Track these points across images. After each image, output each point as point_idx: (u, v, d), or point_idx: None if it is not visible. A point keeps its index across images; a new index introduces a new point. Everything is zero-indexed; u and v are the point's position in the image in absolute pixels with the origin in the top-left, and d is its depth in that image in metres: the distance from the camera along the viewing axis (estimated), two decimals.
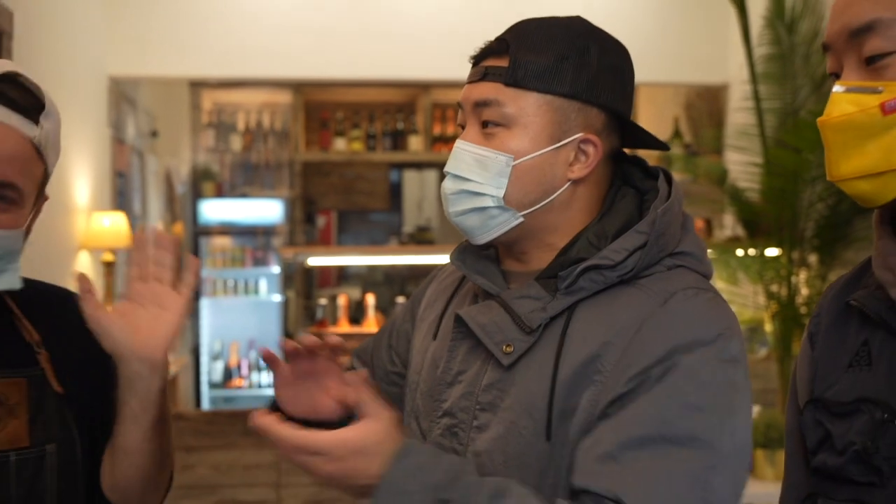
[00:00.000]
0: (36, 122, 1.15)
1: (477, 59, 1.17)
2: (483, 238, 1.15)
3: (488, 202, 1.11)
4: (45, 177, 1.21)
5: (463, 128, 1.17)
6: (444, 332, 1.23)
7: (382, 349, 1.40)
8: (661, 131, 5.13)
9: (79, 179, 4.11)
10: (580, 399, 1.04)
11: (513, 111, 1.10)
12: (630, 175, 1.20)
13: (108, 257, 4.29)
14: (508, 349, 1.08)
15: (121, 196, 4.92)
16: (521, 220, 1.12)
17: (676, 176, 3.58)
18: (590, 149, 1.11)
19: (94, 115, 4.43)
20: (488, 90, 1.11)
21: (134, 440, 1.20)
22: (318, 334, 1.22)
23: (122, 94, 4.91)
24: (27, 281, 1.29)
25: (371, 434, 0.99)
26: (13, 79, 1.14)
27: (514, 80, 1.10)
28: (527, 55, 1.10)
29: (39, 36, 3.32)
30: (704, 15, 4.75)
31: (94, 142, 4.39)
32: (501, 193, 1.11)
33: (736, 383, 1.03)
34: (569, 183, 1.13)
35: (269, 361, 1.16)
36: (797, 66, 3.81)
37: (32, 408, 1.20)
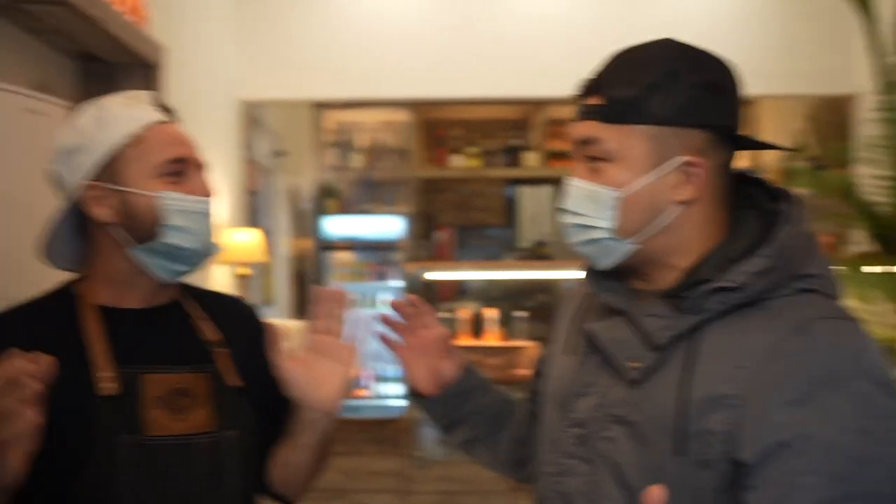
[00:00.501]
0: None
1: (576, 99, 1.20)
2: (605, 264, 1.19)
3: (601, 234, 1.15)
4: None
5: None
6: (574, 346, 1.27)
7: (535, 376, 1.48)
8: (783, 144, 5.02)
9: (218, 198, 4.30)
10: (714, 422, 1.04)
11: (613, 146, 1.13)
12: (755, 196, 1.20)
13: (243, 271, 4.43)
14: (636, 365, 1.11)
15: (253, 213, 5.07)
16: (637, 246, 1.15)
17: (800, 190, 3.60)
18: (694, 170, 1.12)
19: (228, 138, 4.61)
20: (588, 129, 1.15)
21: (301, 459, 1.38)
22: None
23: (252, 117, 5.07)
24: (211, 291, 1.55)
25: None
26: (152, 94, 1.41)
27: (608, 116, 1.13)
28: (617, 90, 1.12)
29: (183, 66, 3.49)
30: (826, 24, 4.59)
31: (229, 163, 4.57)
32: (611, 225, 1.14)
33: (892, 408, 1.00)
34: (678, 206, 1.14)
35: (387, 343, 1.46)
36: None
37: (215, 399, 1.34)
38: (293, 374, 1.27)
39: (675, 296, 1.13)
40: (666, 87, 1.11)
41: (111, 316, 1.34)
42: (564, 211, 1.20)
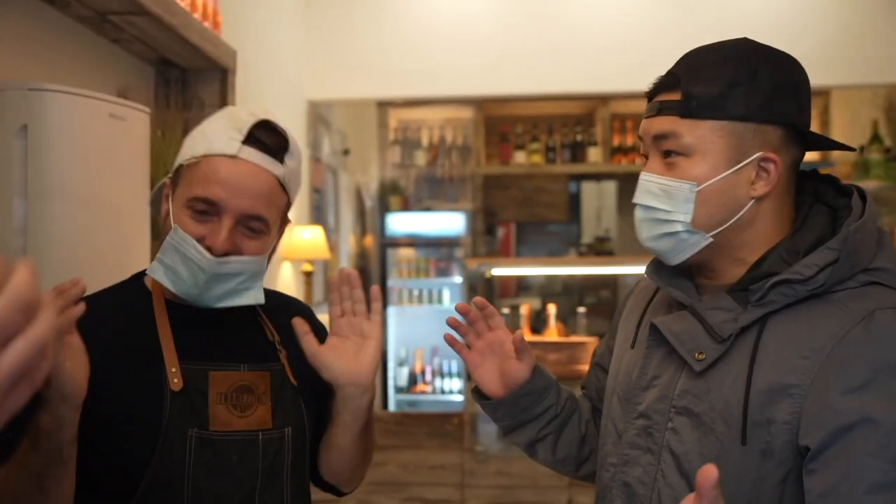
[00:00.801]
0: (282, 161, 1.29)
1: (651, 94, 1.21)
2: (677, 259, 1.20)
3: (678, 227, 1.16)
4: (288, 206, 1.37)
5: (646, 157, 1.22)
6: (640, 340, 1.28)
7: (593, 372, 1.52)
8: (857, 136, 4.88)
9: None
10: (777, 412, 1.05)
11: (691, 141, 1.14)
12: (823, 193, 1.22)
13: (307, 267, 4.50)
14: (700, 356, 1.12)
15: (317, 210, 5.11)
16: (711, 240, 1.16)
17: (875, 183, 3.68)
18: (770, 166, 1.14)
19: (295, 137, 4.73)
20: (665, 123, 1.16)
21: (345, 442, 1.40)
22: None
23: (318, 116, 5.13)
24: (272, 292, 1.48)
25: None
26: (266, 125, 1.29)
27: (688, 111, 1.13)
28: (697, 86, 1.13)
29: (254, 69, 3.58)
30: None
31: None
32: (689, 218, 1.15)
33: None
34: (752, 201, 1.15)
35: (453, 345, 1.46)
36: None
37: (274, 396, 1.34)
38: (323, 358, 1.30)
39: (742, 289, 1.14)
40: (745, 84, 1.13)
41: (178, 312, 1.33)
42: (639, 206, 1.20)
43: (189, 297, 1.29)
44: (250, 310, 1.40)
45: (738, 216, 1.16)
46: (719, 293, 1.17)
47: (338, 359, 1.32)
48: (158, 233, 1.36)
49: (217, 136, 1.27)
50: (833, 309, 1.08)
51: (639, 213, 1.21)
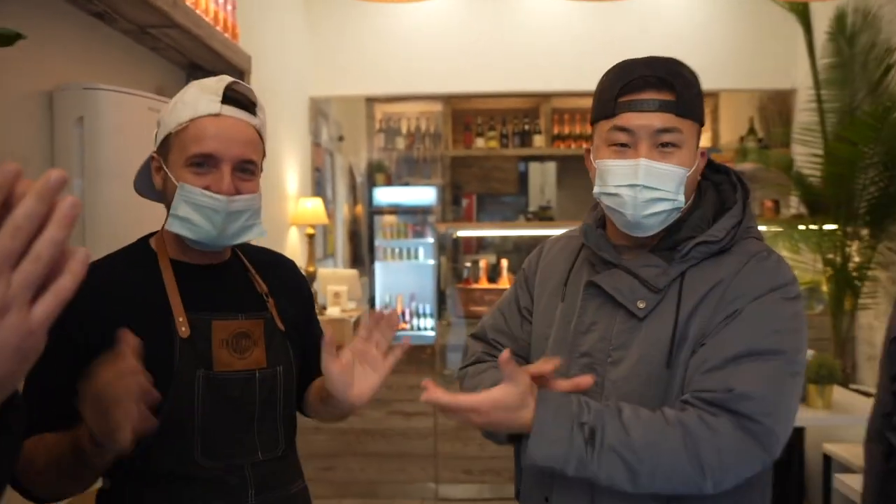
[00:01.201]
0: (255, 114, 1.22)
1: (629, 89, 1.13)
2: (655, 230, 1.16)
3: (674, 206, 1.13)
4: (264, 153, 1.28)
5: (623, 145, 1.14)
6: (571, 294, 1.24)
7: (517, 324, 1.37)
8: (738, 129, 4.98)
9: (289, 174, 4.34)
10: (692, 331, 1.09)
11: (683, 135, 1.12)
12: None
13: (310, 231, 4.46)
14: (642, 304, 1.12)
15: (318, 185, 5.10)
16: (679, 214, 1.15)
17: (750, 165, 3.75)
18: (700, 158, 1.17)
19: (299, 126, 4.66)
20: (667, 120, 1.11)
21: (327, 413, 1.35)
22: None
23: (318, 110, 5.09)
24: (256, 246, 1.38)
25: (511, 395, 1.03)
26: (236, 86, 1.21)
27: (681, 111, 1.11)
28: (686, 91, 1.12)
29: (265, 71, 3.56)
30: (775, 31, 4.56)
31: (299, 146, 4.63)
32: (682, 198, 1.13)
33: (800, 314, 1.10)
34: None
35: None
36: (856, 72, 3.71)
37: (267, 341, 1.26)
38: (334, 373, 1.16)
39: (664, 249, 1.15)
40: (699, 93, 1.15)
41: (181, 269, 1.24)
42: (644, 187, 1.12)
43: (208, 240, 1.20)
44: (242, 266, 1.32)
45: (691, 198, 1.17)
46: (642, 253, 1.17)
47: (341, 375, 1.18)
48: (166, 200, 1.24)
49: (196, 101, 1.18)
50: (731, 257, 1.13)
51: (644, 193, 1.12)
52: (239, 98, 1.21)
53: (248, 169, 1.21)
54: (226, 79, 1.22)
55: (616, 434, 1.02)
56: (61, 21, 1.77)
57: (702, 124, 1.17)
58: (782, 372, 1.05)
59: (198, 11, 2.20)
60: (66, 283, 0.48)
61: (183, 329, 1.18)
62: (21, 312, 0.47)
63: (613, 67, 1.18)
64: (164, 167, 1.20)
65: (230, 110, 1.19)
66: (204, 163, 1.17)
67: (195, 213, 1.17)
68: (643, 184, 1.11)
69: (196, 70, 2.63)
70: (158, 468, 1.17)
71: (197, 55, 2.43)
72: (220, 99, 1.19)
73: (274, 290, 1.32)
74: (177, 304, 1.20)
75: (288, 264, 1.44)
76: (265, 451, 1.25)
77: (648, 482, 1.02)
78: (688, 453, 1.00)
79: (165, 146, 1.20)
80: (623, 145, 1.14)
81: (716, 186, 1.22)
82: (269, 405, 1.25)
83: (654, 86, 1.12)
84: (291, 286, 1.38)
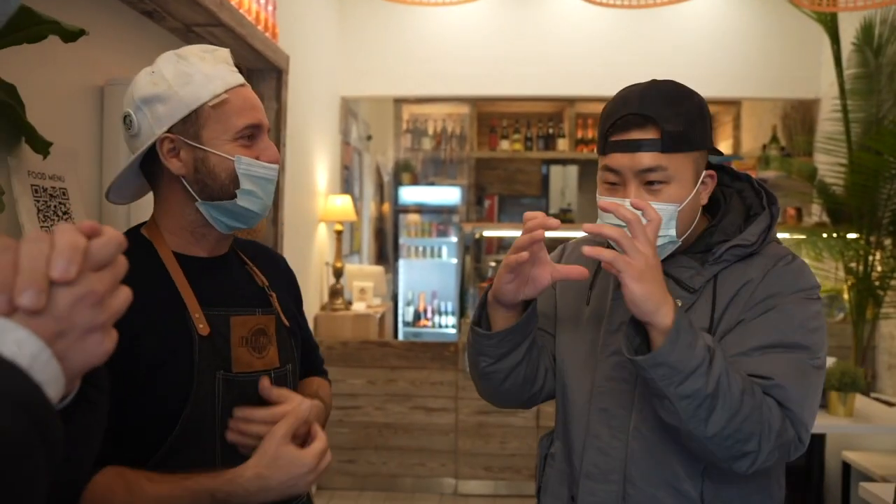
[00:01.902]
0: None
1: (614, 129, 1.11)
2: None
3: (664, 241, 1.12)
4: None
5: (613, 185, 1.12)
6: (597, 298, 1.24)
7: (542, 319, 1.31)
8: (761, 137, 4.93)
9: (320, 171, 4.32)
10: (721, 327, 1.12)
11: (671, 171, 1.09)
12: (721, 180, 1.23)
13: (338, 227, 4.44)
14: (679, 304, 1.07)
15: (346, 183, 5.09)
16: (679, 243, 1.15)
17: (773, 173, 3.68)
18: (708, 180, 1.16)
19: (330, 125, 4.67)
20: (650, 159, 1.08)
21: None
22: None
23: (349, 110, 5.10)
24: (246, 240, 1.29)
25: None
26: (229, 59, 1.13)
27: (667, 147, 1.08)
28: (670, 125, 1.08)
29: (301, 70, 3.57)
30: (800, 42, 4.52)
31: (330, 144, 4.62)
32: (674, 233, 1.12)
33: (822, 315, 1.13)
34: (700, 207, 1.17)
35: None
36: (882, 83, 3.65)
37: (277, 337, 1.17)
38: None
39: (697, 252, 1.17)
40: (697, 120, 1.11)
41: (185, 262, 1.11)
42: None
43: (263, 213, 1.13)
44: (239, 259, 1.22)
45: (695, 221, 1.16)
46: (675, 256, 1.17)
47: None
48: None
49: (218, 73, 1.07)
50: (759, 259, 1.15)
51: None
52: (240, 66, 1.19)
53: (269, 136, 1.15)
54: (217, 48, 1.13)
55: (725, 367, 1.02)
56: (114, 18, 1.79)
57: (703, 148, 1.13)
58: (809, 365, 1.08)
59: (241, 11, 2.22)
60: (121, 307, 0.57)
61: (201, 326, 1.06)
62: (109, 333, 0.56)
63: (614, 97, 1.15)
64: (195, 145, 1.06)
65: (244, 81, 1.13)
66: (254, 133, 1.09)
67: (255, 185, 1.09)
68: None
69: (238, 69, 2.64)
70: (179, 469, 1.04)
71: (238, 54, 2.44)
72: (232, 69, 1.11)
73: (273, 284, 1.22)
74: (190, 299, 1.08)
75: (280, 258, 1.35)
76: None
77: (733, 429, 1.02)
78: (760, 414, 1.03)
79: (191, 123, 1.06)
80: (614, 184, 1.13)
81: (738, 193, 1.24)
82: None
83: (638, 125, 1.09)
84: (286, 280, 1.30)
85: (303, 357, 1.27)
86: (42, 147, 1.32)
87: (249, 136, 1.09)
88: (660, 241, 1.11)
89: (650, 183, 1.10)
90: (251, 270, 1.20)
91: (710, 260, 1.15)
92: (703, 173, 1.15)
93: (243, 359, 1.10)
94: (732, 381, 1.02)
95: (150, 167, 1.11)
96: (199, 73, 1.06)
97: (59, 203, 1.52)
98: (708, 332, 1.12)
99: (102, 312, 0.54)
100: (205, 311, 1.07)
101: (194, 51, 1.09)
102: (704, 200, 1.17)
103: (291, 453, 1.02)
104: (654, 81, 1.14)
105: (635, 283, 0.99)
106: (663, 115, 1.09)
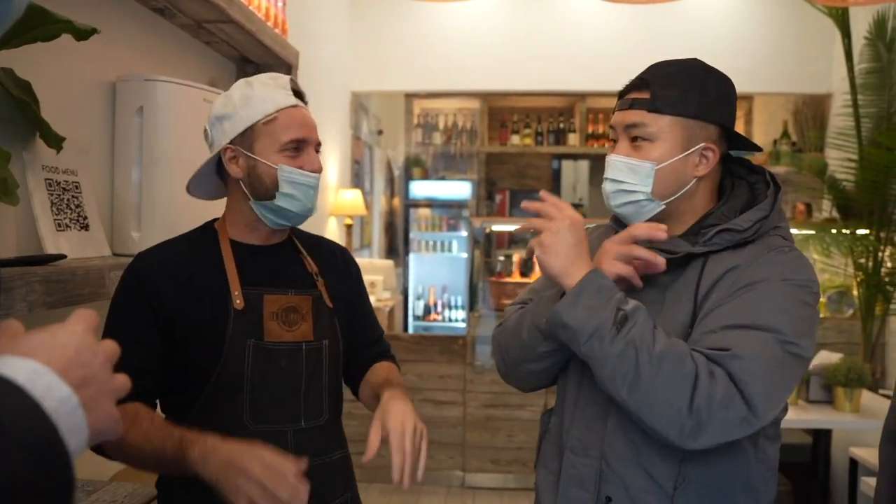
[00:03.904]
0: (307, 104, 1.36)
1: (623, 93, 1.21)
2: (635, 221, 1.20)
3: (640, 197, 1.17)
4: None
5: (614, 142, 1.22)
6: None
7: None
8: (772, 132, 4.91)
9: (330, 165, 4.36)
10: (704, 310, 1.12)
11: (654, 130, 1.15)
12: (736, 171, 1.26)
13: (349, 221, 4.54)
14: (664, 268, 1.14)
15: (357, 177, 5.13)
16: (664, 207, 1.19)
17: (783, 168, 3.69)
18: (709, 154, 1.17)
19: (341, 120, 4.70)
20: (637, 116, 1.17)
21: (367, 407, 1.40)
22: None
23: (359, 104, 5.13)
24: (308, 232, 1.50)
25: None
26: (292, 82, 1.34)
27: (654, 107, 1.15)
28: (662, 89, 1.15)
29: (312, 66, 3.58)
30: (812, 37, 4.50)
31: (340, 139, 4.66)
32: (649, 190, 1.16)
33: (810, 308, 1.10)
34: (695, 179, 1.18)
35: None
36: (894, 78, 3.63)
37: (315, 316, 1.33)
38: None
39: (691, 234, 1.18)
40: (697, 91, 1.15)
41: (240, 248, 1.33)
42: (609, 180, 1.20)
43: (305, 213, 1.32)
44: (294, 247, 1.41)
45: (684, 190, 1.18)
46: (671, 238, 1.19)
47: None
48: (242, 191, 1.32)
49: (273, 96, 1.28)
50: (752, 247, 1.15)
51: (608, 186, 1.20)
52: (300, 92, 1.34)
53: (318, 150, 1.35)
54: (281, 76, 1.33)
55: (643, 334, 1.04)
56: (125, 15, 1.83)
57: (701, 119, 1.16)
58: (779, 345, 1.05)
59: (251, 7, 2.25)
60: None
61: (238, 301, 1.27)
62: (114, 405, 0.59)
63: None
64: (249, 155, 1.28)
65: (299, 102, 1.32)
66: (298, 147, 1.29)
67: (296, 190, 1.29)
68: (609, 177, 1.20)
69: (246, 63, 2.67)
70: (211, 427, 1.20)
71: (248, 50, 2.47)
72: (288, 92, 1.31)
73: (324, 271, 1.40)
74: (234, 278, 1.28)
75: (337, 248, 1.54)
76: (308, 419, 1.31)
77: (644, 394, 1.03)
78: (690, 387, 1.02)
79: (247, 137, 1.28)
80: (614, 141, 1.22)
81: (751, 186, 1.23)
82: (316, 376, 1.31)
83: (636, 87, 1.19)
84: (341, 268, 1.47)
85: (368, 342, 1.48)
86: (55, 142, 1.36)
87: (295, 148, 1.29)
88: (635, 198, 1.18)
89: (634, 139, 1.18)
90: (304, 258, 1.39)
91: (700, 241, 1.16)
92: (702, 145, 1.17)
93: (274, 331, 1.28)
94: (655, 346, 1.03)
95: (223, 172, 1.35)
96: (256, 97, 1.28)
97: (73, 196, 1.56)
98: (691, 316, 1.13)
99: (112, 379, 0.57)
100: (244, 289, 1.28)
101: (262, 78, 1.33)
102: (700, 172, 1.18)
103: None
104: (681, 59, 1.21)
105: (541, 252, 1.11)
106: (659, 79, 1.17)
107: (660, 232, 1.12)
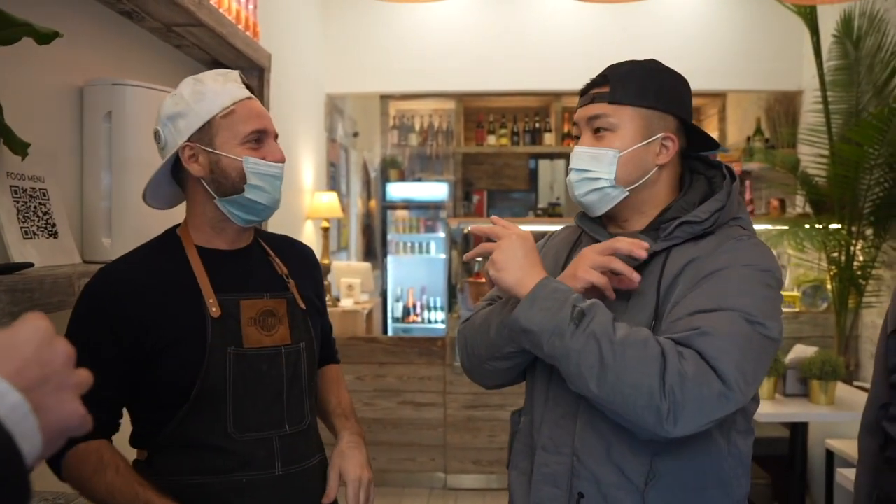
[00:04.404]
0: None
1: (584, 91, 1.27)
2: (601, 209, 1.25)
3: (604, 184, 1.21)
4: None
5: (577, 138, 1.27)
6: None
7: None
8: (745, 129, 4.97)
9: (305, 168, 4.34)
10: (668, 303, 1.14)
11: (615, 120, 1.21)
12: (695, 167, 1.30)
13: (325, 224, 4.49)
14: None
15: (332, 180, 5.11)
16: (627, 194, 1.22)
17: (757, 165, 3.75)
18: (669, 143, 1.22)
19: (316, 122, 4.67)
20: (598, 108, 1.22)
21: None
22: None
23: (334, 106, 5.11)
24: (273, 233, 1.50)
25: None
26: (241, 75, 1.33)
27: (614, 99, 1.21)
28: (622, 83, 1.21)
29: (283, 69, 3.57)
30: (782, 35, 4.56)
31: (315, 141, 4.63)
32: (612, 176, 1.21)
33: (772, 291, 1.12)
34: (656, 168, 1.22)
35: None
36: (862, 75, 3.69)
37: (290, 319, 1.32)
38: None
39: (651, 229, 1.22)
40: (654, 85, 1.22)
41: (207, 255, 1.30)
42: (574, 170, 1.24)
43: (273, 206, 1.30)
44: (262, 250, 1.40)
45: (646, 177, 1.22)
46: (631, 234, 1.23)
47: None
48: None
49: (227, 89, 1.26)
50: (712, 238, 1.18)
51: (573, 176, 1.25)
52: (250, 85, 1.33)
53: (276, 141, 1.32)
54: (230, 71, 1.32)
55: (603, 326, 1.05)
56: (93, 19, 1.80)
57: (658, 109, 1.21)
58: (744, 322, 1.06)
59: (221, 10, 2.22)
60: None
61: (214, 309, 1.24)
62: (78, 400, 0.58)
63: None
64: (211, 150, 1.25)
65: (251, 95, 1.31)
66: (260, 138, 1.27)
67: (264, 181, 1.27)
68: (574, 167, 1.24)
69: (218, 67, 2.65)
70: (193, 440, 1.22)
71: (219, 53, 2.44)
72: (240, 86, 1.29)
73: (293, 272, 1.38)
74: (206, 286, 1.25)
75: (304, 249, 1.52)
76: (292, 424, 1.30)
77: (612, 384, 1.03)
78: (658, 368, 1.01)
79: (206, 132, 1.25)
80: (577, 137, 1.27)
81: (709, 180, 1.27)
82: (296, 379, 1.30)
83: (597, 84, 1.24)
84: (308, 269, 1.45)
85: (325, 342, 1.48)
86: (21, 148, 1.33)
87: (256, 139, 1.27)
88: (599, 185, 1.22)
89: (597, 130, 1.22)
90: (273, 260, 1.38)
91: (661, 236, 1.19)
92: (661, 134, 1.22)
93: (253, 336, 1.26)
94: (616, 334, 1.03)
95: (179, 175, 1.31)
96: (210, 91, 1.26)
97: (40, 203, 1.53)
98: (654, 310, 1.14)
99: (73, 374, 0.57)
100: (219, 296, 1.25)
101: (209, 74, 1.30)
102: (661, 161, 1.22)
103: None
104: (639, 60, 1.26)
105: (494, 270, 1.14)
106: (617, 74, 1.23)
107: (642, 251, 1.12)
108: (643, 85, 1.21)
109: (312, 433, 1.36)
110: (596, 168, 1.21)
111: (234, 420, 1.24)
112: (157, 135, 1.30)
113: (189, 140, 1.26)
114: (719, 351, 1.03)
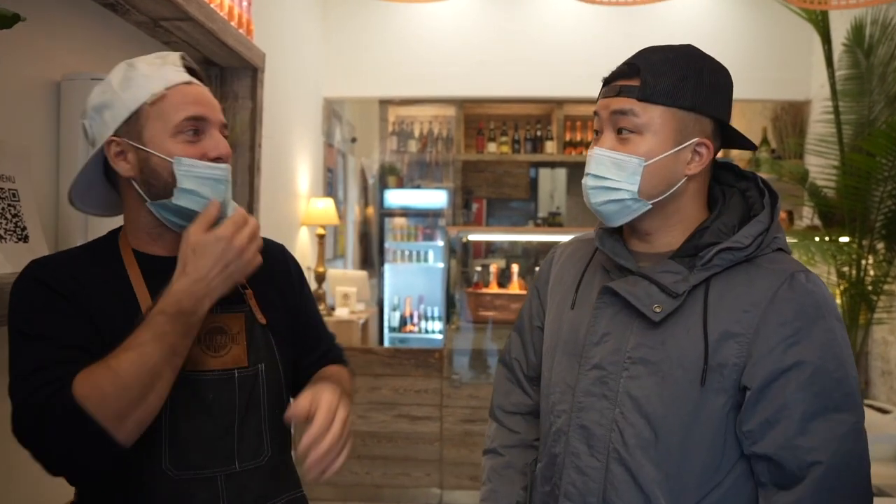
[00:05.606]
0: (203, 83, 1.15)
1: (609, 80, 1.11)
2: (618, 222, 1.12)
3: (625, 195, 1.08)
4: None
5: (597, 133, 1.12)
6: (582, 302, 1.17)
7: (529, 344, 1.33)
8: (751, 139, 4.92)
9: (301, 173, 4.26)
10: (728, 356, 1.02)
11: (644, 121, 1.06)
12: (724, 177, 1.17)
13: (321, 231, 4.40)
14: (658, 309, 1.04)
15: (329, 186, 5.04)
16: (650, 207, 1.09)
17: (764, 175, 3.62)
18: (703, 150, 1.08)
19: (313, 127, 4.60)
20: (625, 103, 1.07)
21: None
22: None
23: (332, 111, 5.04)
24: None
25: None
26: (185, 58, 1.14)
27: (644, 96, 1.05)
28: (654, 76, 1.06)
29: (279, 70, 3.49)
30: (791, 43, 4.50)
31: (312, 146, 4.56)
32: (636, 188, 1.07)
33: (846, 338, 1.03)
34: (685, 178, 1.09)
35: None
36: (874, 84, 3.61)
37: (248, 336, 1.14)
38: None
39: (684, 255, 1.09)
40: (693, 80, 1.06)
41: (146, 261, 1.12)
42: (591, 175, 1.10)
43: (222, 213, 1.10)
44: None
45: (673, 189, 1.09)
46: (662, 260, 1.10)
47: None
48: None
49: (161, 74, 1.08)
50: (760, 271, 1.05)
51: (590, 181, 1.10)
52: (195, 69, 1.14)
53: (224, 133, 1.13)
54: (171, 53, 1.14)
55: None
56: (72, 9, 1.71)
57: (695, 111, 1.07)
58: (856, 425, 1.00)
59: (212, 5, 2.14)
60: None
61: None
62: None
63: None
64: (139, 146, 1.07)
65: (194, 79, 1.12)
66: (197, 128, 1.08)
67: (198, 185, 1.07)
68: (591, 172, 1.10)
69: (209, 66, 2.56)
70: (127, 475, 1.05)
71: (210, 50, 2.36)
72: (184, 70, 1.11)
73: (254, 280, 1.17)
74: (143, 296, 1.08)
75: (272, 248, 1.29)
76: (244, 461, 1.12)
77: None
78: None
79: (133, 125, 1.07)
80: (597, 132, 1.12)
81: (742, 193, 1.14)
82: (252, 408, 1.13)
83: (625, 74, 1.09)
84: (277, 271, 1.26)
85: (316, 354, 1.29)
86: None
87: (193, 130, 1.08)
88: (619, 196, 1.09)
89: (621, 131, 1.08)
90: None
91: (698, 265, 1.06)
92: (695, 140, 1.07)
93: (194, 357, 1.08)
94: None
95: (113, 174, 1.13)
96: (140, 76, 1.08)
97: (9, 205, 1.44)
98: (703, 354, 1.03)
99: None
100: None
101: (146, 58, 1.12)
102: (692, 171, 1.09)
103: (205, 238, 1.04)
104: (674, 45, 1.13)
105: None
106: (650, 65, 1.07)
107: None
108: (680, 80, 1.06)
109: (279, 468, 1.17)
110: (617, 177, 1.07)
111: (171, 455, 1.06)
112: (84, 130, 1.13)
113: (115, 134, 1.08)
114: (841, 479, 1.00)
